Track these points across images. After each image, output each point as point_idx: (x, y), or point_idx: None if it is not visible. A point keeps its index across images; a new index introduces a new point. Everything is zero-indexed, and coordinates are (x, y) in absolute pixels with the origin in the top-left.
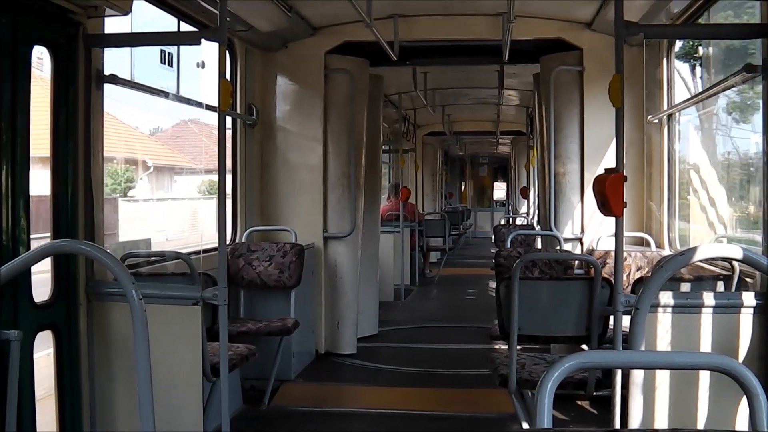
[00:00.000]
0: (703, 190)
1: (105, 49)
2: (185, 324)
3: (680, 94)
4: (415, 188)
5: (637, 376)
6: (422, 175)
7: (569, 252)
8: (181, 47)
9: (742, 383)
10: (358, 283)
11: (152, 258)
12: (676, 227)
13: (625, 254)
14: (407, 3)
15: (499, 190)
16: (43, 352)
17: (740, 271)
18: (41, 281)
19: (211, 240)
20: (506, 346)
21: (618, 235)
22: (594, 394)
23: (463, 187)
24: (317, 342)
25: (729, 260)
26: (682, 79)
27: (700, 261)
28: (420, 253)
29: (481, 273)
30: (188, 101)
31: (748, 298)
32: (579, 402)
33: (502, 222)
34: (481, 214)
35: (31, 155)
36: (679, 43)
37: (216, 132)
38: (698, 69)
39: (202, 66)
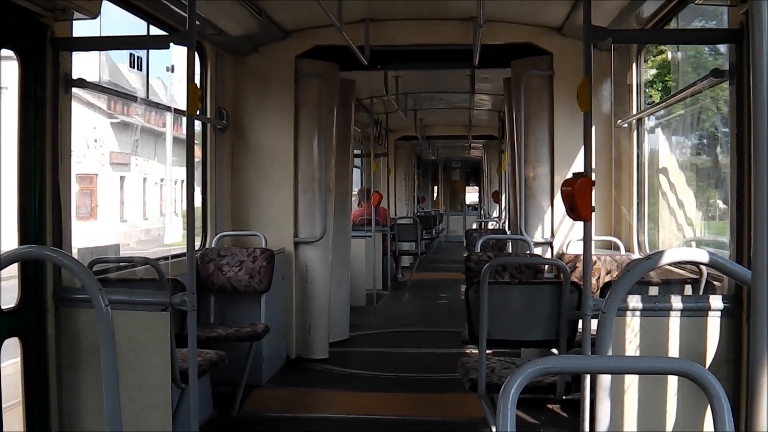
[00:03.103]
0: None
1: (73, 52)
2: (154, 330)
3: None
4: (387, 192)
5: (605, 380)
6: (394, 180)
7: (539, 256)
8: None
9: (704, 387)
10: (329, 287)
11: (121, 264)
12: (645, 231)
13: (594, 258)
14: (378, 7)
15: (472, 194)
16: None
17: (708, 274)
18: (11, 288)
19: None
20: (477, 351)
21: (586, 239)
22: (564, 397)
23: (435, 191)
24: (288, 347)
25: (696, 264)
26: None
27: (668, 264)
28: (392, 257)
29: (454, 277)
30: (157, 105)
31: (716, 302)
32: (549, 405)
33: (474, 226)
34: (453, 219)
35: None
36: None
37: None
38: None
39: (171, 70)
